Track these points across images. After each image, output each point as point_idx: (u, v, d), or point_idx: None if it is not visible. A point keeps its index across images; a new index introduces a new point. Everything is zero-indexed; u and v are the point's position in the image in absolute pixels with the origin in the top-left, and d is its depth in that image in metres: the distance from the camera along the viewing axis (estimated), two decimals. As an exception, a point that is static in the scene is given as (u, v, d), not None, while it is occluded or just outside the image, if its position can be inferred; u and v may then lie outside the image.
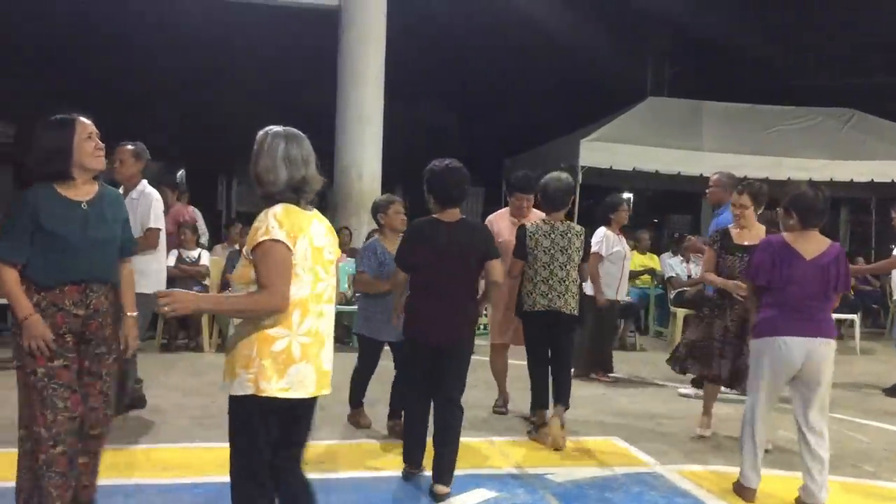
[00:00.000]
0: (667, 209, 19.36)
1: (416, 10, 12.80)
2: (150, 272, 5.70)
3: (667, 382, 7.76)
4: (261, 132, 3.11)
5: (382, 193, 11.58)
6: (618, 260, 7.87)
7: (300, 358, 2.99)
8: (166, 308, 2.88)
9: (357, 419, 5.75)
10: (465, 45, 17.24)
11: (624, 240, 8.13)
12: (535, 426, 5.66)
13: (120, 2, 13.15)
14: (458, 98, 19.09)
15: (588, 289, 7.65)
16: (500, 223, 6.29)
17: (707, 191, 6.91)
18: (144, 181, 5.90)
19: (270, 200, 3.02)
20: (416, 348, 4.61)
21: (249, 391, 2.94)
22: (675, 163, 12.26)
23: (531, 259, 5.56)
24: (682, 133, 12.67)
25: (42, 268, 3.43)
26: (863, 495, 4.85)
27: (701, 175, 12.49)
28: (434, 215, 4.60)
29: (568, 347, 5.73)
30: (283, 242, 2.91)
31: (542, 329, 5.61)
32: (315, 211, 3.14)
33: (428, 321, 4.49)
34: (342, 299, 9.16)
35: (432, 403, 4.55)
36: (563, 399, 5.56)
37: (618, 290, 7.96)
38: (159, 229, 5.82)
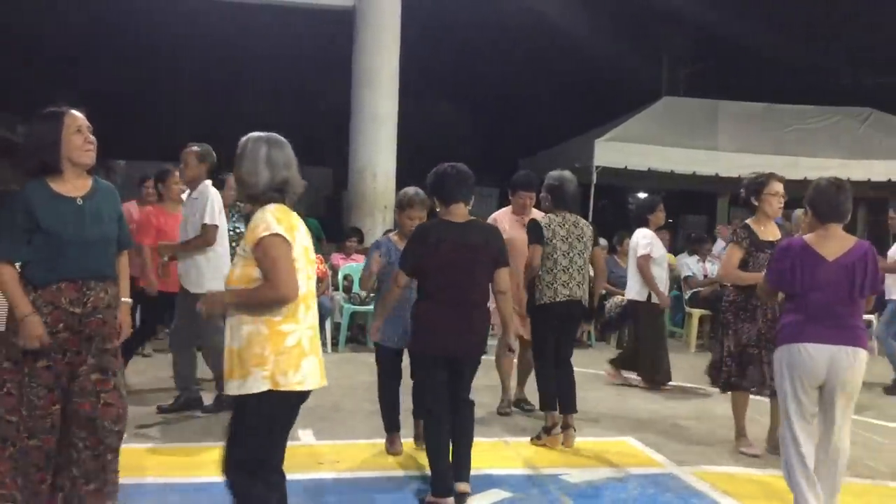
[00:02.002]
0: (682, 209, 19.28)
1: (430, 10, 12.81)
2: (209, 270, 5.80)
3: (682, 383, 7.73)
4: (243, 139, 3.22)
5: (397, 194, 11.63)
6: (663, 262, 7.65)
7: (309, 351, 3.08)
8: (203, 312, 3.14)
9: (389, 444, 5.18)
10: (479, 45, 17.26)
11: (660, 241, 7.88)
12: (544, 429, 5.46)
13: (137, 6, 13.25)
14: (472, 99, 19.10)
15: (635, 294, 7.52)
16: (503, 221, 6.34)
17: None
18: (207, 182, 5.98)
19: (254, 201, 3.15)
20: (429, 363, 4.25)
21: (266, 387, 2.98)
22: (690, 163, 12.23)
23: (549, 250, 5.42)
24: (698, 133, 12.63)
25: (38, 266, 3.40)
26: (878, 497, 4.81)
27: (717, 175, 12.50)
28: (442, 217, 4.36)
29: (573, 344, 5.65)
30: (283, 236, 3.01)
31: (557, 322, 5.44)
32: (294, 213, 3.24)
33: (441, 331, 4.18)
34: (357, 300, 9.16)
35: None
36: (573, 405, 5.46)
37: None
38: (215, 226, 5.84)
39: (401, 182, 11.66)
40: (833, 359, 3.97)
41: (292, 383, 3.01)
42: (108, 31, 14.96)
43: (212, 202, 5.84)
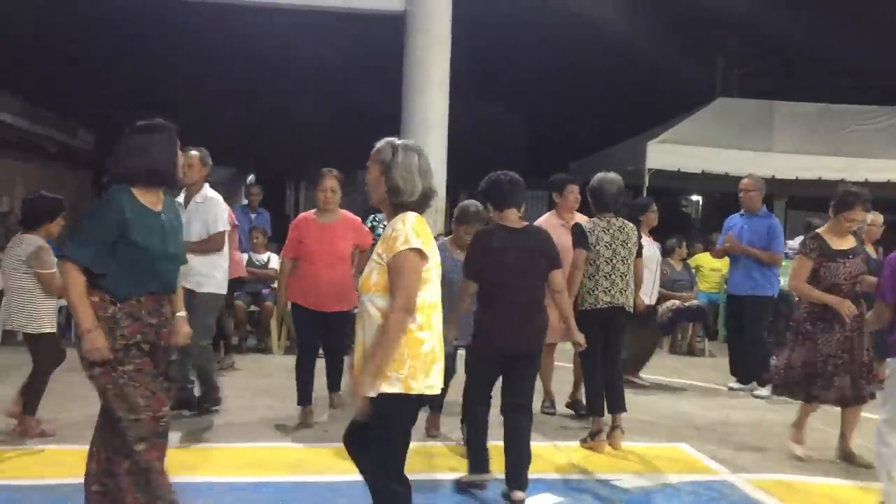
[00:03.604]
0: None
1: (481, 14, 12.81)
2: (218, 273, 5.95)
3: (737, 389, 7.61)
4: (383, 145, 3.24)
5: (448, 198, 11.70)
6: (651, 263, 7.50)
7: (438, 356, 3.19)
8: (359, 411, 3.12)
9: (430, 425, 5.56)
10: (530, 48, 17.18)
11: (655, 244, 7.86)
12: (591, 434, 5.44)
13: (191, 13, 13.50)
14: (523, 101, 19.02)
15: None
16: (546, 226, 6.28)
17: (745, 194, 7.13)
18: (206, 185, 6.05)
19: (400, 209, 3.19)
20: (486, 361, 4.46)
21: (397, 389, 3.08)
22: (745, 165, 11.94)
23: (592, 256, 5.40)
24: (753, 134, 12.40)
25: (122, 279, 3.34)
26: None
27: (773, 177, 12.23)
28: (499, 223, 4.51)
29: (621, 348, 5.64)
30: (419, 250, 3.08)
31: (600, 328, 5.43)
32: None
33: (503, 332, 4.33)
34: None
35: (504, 409, 4.46)
36: (621, 405, 5.49)
37: (651, 295, 7.66)
38: (224, 232, 5.96)
39: (451, 186, 11.69)
40: None
41: (422, 387, 3.12)
42: (161, 40, 15.25)
43: (221, 209, 5.94)
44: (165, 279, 3.49)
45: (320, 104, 17.11)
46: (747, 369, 7.59)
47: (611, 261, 5.43)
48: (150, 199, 3.45)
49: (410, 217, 3.16)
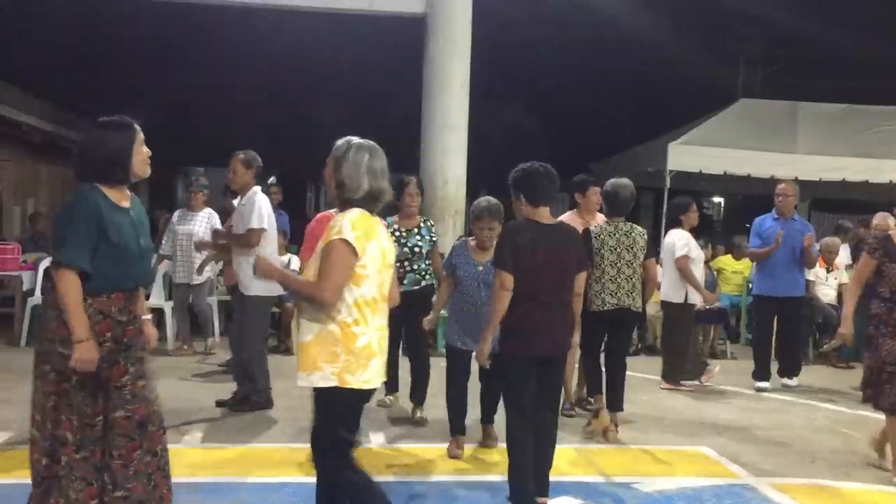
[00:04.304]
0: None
1: (501, 16, 12.80)
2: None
3: (760, 391, 7.54)
4: (341, 142, 3.33)
5: (468, 199, 11.68)
6: (699, 262, 7.62)
7: (378, 351, 3.24)
8: (258, 272, 3.41)
9: (454, 447, 5.20)
10: (550, 49, 17.16)
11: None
12: (593, 413, 5.71)
13: (212, 17, 13.61)
14: (543, 102, 19.00)
15: (671, 295, 7.47)
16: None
17: (783, 199, 7.38)
18: (257, 187, 6.14)
19: (347, 205, 3.25)
20: (522, 365, 4.16)
21: (332, 383, 3.15)
22: (768, 166, 11.89)
23: (598, 259, 5.62)
24: (776, 135, 12.30)
25: (97, 276, 3.31)
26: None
27: (796, 178, 12.13)
28: (528, 217, 4.27)
29: (627, 347, 5.90)
30: (350, 244, 3.12)
31: (606, 328, 5.72)
32: (378, 218, 3.36)
33: (537, 332, 4.13)
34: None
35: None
36: (619, 404, 5.70)
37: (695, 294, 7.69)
38: (262, 229, 5.97)
39: (471, 187, 11.67)
40: None
41: (360, 382, 3.18)
42: (182, 44, 15.38)
43: (259, 207, 5.98)
44: (135, 275, 3.49)
45: (340, 106, 17.19)
46: (792, 364, 7.90)
47: (615, 264, 5.65)
48: (116, 195, 3.44)
49: (353, 212, 3.21)
